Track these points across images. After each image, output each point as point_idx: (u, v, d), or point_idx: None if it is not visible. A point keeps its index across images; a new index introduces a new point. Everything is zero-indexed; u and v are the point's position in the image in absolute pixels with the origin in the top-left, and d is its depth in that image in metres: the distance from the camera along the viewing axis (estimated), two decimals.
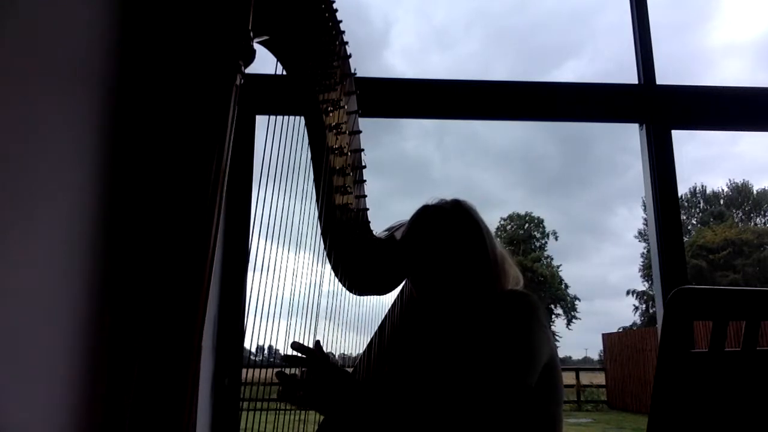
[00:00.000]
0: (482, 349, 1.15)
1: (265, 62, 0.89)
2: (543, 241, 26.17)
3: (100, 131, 0.97)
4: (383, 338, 1.40)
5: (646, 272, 26.14)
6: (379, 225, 1.38)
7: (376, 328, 1.43)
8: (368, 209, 1.31)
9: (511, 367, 1.11)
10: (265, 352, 1.24)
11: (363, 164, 1.28)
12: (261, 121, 1.94)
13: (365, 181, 1.30)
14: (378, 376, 1.30)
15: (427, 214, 1.36)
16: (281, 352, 1.17)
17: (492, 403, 1.09)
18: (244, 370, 1.78)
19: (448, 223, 1.32)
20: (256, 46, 0.75)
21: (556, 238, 26.81)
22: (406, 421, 1.11)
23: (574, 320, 25.65)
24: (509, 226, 27.56)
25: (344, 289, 1.30)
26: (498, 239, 1.40)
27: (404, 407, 1.12)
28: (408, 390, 1.18)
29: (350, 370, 1.37)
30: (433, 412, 1.12)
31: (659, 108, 2.06)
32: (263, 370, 1.30)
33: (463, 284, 1.29)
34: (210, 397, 1.72)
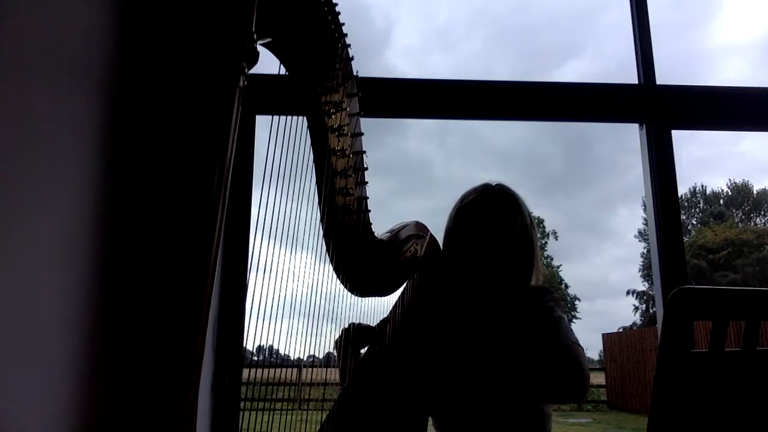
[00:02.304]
0: (516, 342, 1.22)
1: (264, 62, 0.89)
2: (543, 241, 26.12)
3: (103, 132, 0.97)
4: (385, 338, 1.40)
5: (646, 272, 26.13)
6: (381, 225, 1.39)
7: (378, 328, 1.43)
8: (370, 211, 1.31)
9: (567, 337, 1.18)
10: (265, 352, 1.24)
11: (365, 166, 1.28)
12: (262, 121, 1.94)
13: (367, 183, 1.30)
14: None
15: (497, 193, 1.42)
16: (281, 352, 1.18)
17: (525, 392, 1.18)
18: (244, 370, 1.78)
19: (513, 209, 1.40)
20: (259, 48, 0.75)
21: (556, 238, 26.77)
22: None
23: (574, 320, 25.63)
24: None
25: (345, 290, 1.30)
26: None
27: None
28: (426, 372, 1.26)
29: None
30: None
31: (659, 108, 2.06)
32: (263, 370, 1.30)
33: (506, 271, 1.36)
34: (210, 397, 1.72)
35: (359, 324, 1.34)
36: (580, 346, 1.17)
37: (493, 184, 1.45)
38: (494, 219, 1.37)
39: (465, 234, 1.40)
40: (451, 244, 1.45)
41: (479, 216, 1.39)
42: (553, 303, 1.29)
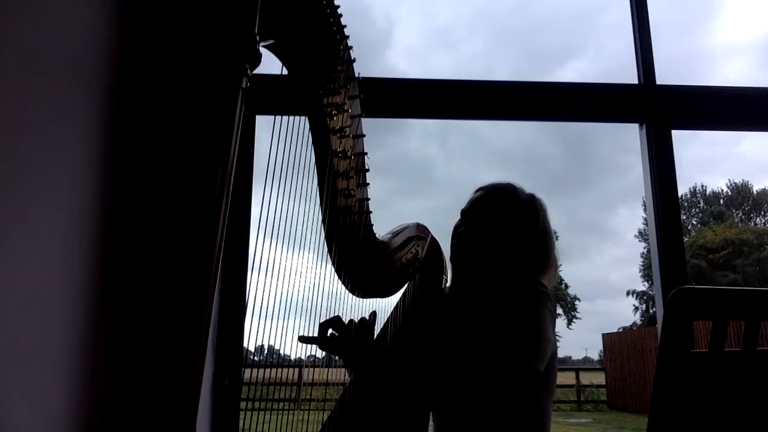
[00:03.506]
0: (496, 333, 1.21)
1: (264, 62, 0.89)
2: None
3: (105, 133, 0.97)
4: (386, 339, 1.40)
5: (646, 272, 26.12)
6: (382, 225, 1.39)
7: (379, 330, 1.43)
8: (371, 212, 1.32)
9: (521, 349, 1.16)
10: (265, 352, 1.24)
11: (366, 167, 1.28)
12: (266, 121, 1.94)
13: (368, 184, 1.30)
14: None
15: (507, 192, 1.41)
16: (281, 352, 1.18)
17: (499, 380, 1.15)
18: (244, 370, 1.78)
19: (519, 210, 1.38)
20: (261, 50, 0.75)
21: (557, 238, 26.69)
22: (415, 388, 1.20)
23: (574, 320, 25.61)
24: None
25: (346, 290, 1.30)
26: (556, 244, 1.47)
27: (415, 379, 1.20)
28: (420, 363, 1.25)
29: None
30: (441, 385, 1.19)
31: (659, 108, 2.06)
32: (263, 370, 1.30)
33: (509, 271, 1.35)
34: (210, 397, 1.72)
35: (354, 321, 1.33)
36: (530, 364, 1.15)
37: (503, 183, 1.45)
38: (498, 219, 1.37)
39: (473, 232, 1.39)
40: (461, 243, 1.44)
41: (485, 213, 1.39)
42: (541, 301, 1.26)
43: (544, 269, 1.38)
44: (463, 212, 1.43)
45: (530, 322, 1.21)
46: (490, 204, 1.39)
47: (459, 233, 1.42)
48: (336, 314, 1.25)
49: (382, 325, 1.44)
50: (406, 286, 1.50)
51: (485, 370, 1.16)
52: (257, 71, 0.79)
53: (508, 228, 1.36)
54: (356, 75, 1.21)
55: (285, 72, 1.01)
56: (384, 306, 1.45)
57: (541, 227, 1.39)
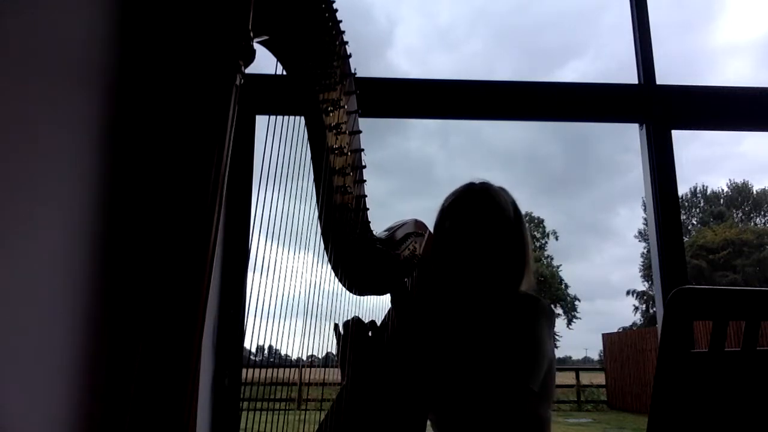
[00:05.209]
0: (493, 349, 1.20)
1: (265, 62, 0.89)
2: (543, 241, 26.07)
3: (100, 132, 0.97)
4: (384, 338, 1.40)
5: (647, 272, 26.13)
6: (382, 225, 1.38)
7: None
8: (368, 209, 1.31)
9: (517, 371, 1.15)
10: (265, 352, 1.24)
11: (363, 164, 1.28)
12: (262, 121, 1.95)
13: (365, 181, 1.29)
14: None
15: (481, 192, 1.39)
16: (281, 352, 1.17)
17: (495, 401, 1.15)
18: (244, 370, 1.78)
19: (498, 208, 1.36)
20: (256, 46, 0.75)
21: (557, 238, 26.71)
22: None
23: (574, 320, 25.62)
24: None
25: (344, 289, 1.30)
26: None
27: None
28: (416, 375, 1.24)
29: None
30: (436, 397, 1.19)
31: (659, 108, 2.06)
32: (263, 370, 1.29)
33: (496, 277, 1.33)
34: (210, 397, 1.72)
35: (359, 319, 1.34)
36: (526, 386, 1.14)
37: (477, 182, 1.43)
38: (480, 220, 1.34)
39: (452, 236, 1.38)
40: (439, 247, 1.43)
41: (465, 218, 1.36)
42: (541, 317, 1.25)
43: (525, 264, 1.37)
44: (443, 217, 1.42)
45: (528, 341, 1.20)
46: (468, 208, 1.37)
47: (440, 239, 1.42)
48: (336, 313, 1.26)
49: (380, 323, 1.43)
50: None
51: (482, 389, 1.16)
52: (258, 72, 0.78)
53: (489, 229, 1.34)
54: (352, 71, 1.20)
55: (280, 68, 1.01)
56: (382, 303, 1.45)
57: (515, 220, 1.38)
